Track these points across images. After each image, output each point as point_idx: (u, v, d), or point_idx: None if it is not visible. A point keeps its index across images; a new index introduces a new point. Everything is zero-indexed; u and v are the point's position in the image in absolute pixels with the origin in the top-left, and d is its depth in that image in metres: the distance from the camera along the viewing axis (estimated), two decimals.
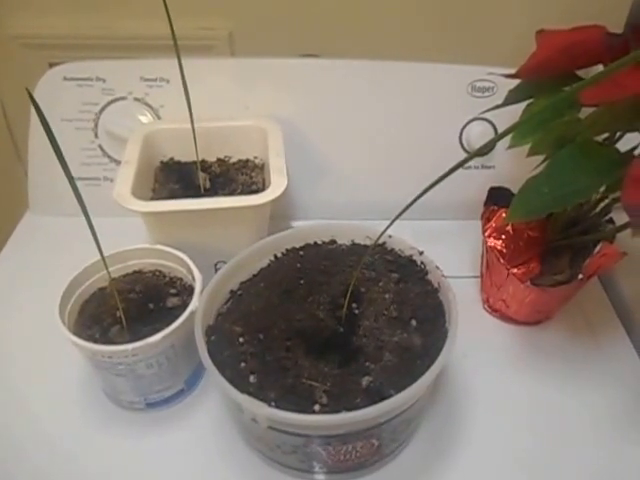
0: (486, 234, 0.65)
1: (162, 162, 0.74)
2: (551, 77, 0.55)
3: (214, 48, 0.94)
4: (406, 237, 0.84)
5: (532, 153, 0.61)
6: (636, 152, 0.52)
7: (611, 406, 0.61)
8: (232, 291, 0.58)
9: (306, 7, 0.90)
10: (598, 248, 0.57)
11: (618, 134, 0.56)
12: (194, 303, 0.55)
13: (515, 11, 0.89)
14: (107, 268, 0.53)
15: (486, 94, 0.81)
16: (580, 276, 0.59)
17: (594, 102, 0.47)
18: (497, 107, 0.58)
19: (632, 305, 0.72)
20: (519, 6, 0.89)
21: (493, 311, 0.71)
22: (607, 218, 0.63)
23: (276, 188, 0.61)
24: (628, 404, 0.62)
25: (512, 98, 0.59)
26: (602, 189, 0.58)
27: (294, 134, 0.80)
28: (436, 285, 0.57)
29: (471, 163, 0.84)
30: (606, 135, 0.56)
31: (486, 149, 0.59)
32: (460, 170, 0.86)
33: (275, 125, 0.72)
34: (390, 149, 0.83)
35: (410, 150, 0.83)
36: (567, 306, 0.71)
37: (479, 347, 0.68)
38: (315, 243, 0.63)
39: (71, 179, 0.43)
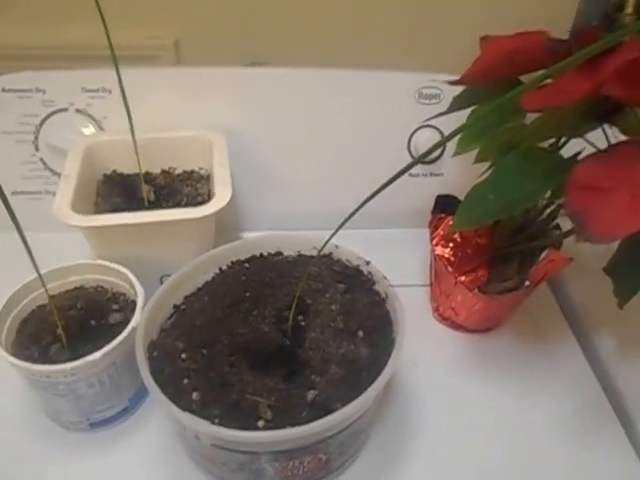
0: (434, 242, 0.65)
1: (105, 175, 0.72)
2: (495, 83, 0.55)
3: (160, 57, 0.93)
4: (357, 246, 0.83)
5: (479, 160, 0.62)
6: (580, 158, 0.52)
7: (561, 412, 0.62)
8: (176, 306, 0.56)
9: (254, 15, 0.89)
10: (544, 255, 0.57)
11: (564, 139, 0.57)
12: (135, 319, 0.53)
13: (463, 18, 0.90)
14: (44, 285, 0.51)
15: (433, 101, 0.81)
16: (527, 283, 0.59)
17: (536, 108, 0.47)
18: (441, 114, 0.58)
19: (580, 310, 0.73)
20: (467, 13, 0.90)
21: (443, 319, 0.71)
22: (554, 224, 0.64)
23: (219, 200, 0.60)
24: (578, 409, 0.62)
25: (456, 105, 0.59)
26: (548, 195, 0.58)
27: (242, 144, 0.79)
28: (383, 295, 0.57)
29: (420, 171, 0.84)
30: (553, 141, 0.57)
31: (427, 156, 0.59)
32: (409, 178, 0.87)
33: (220, 135, 0.71)
34: (339, 158, 0.83)
35: (359, 158, 0.82)
36: (517, 312, 0.71)
37: (429, 356, 0.67)
38: (261, 255, 0.62)
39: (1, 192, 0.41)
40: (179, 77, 0.81)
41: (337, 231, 0.47)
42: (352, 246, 0.83)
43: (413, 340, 0.68)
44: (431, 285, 0.72)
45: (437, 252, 0.65)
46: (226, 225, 0.83)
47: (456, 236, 0.65)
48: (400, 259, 0.78)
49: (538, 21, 0.91)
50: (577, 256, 0.60)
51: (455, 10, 0.90)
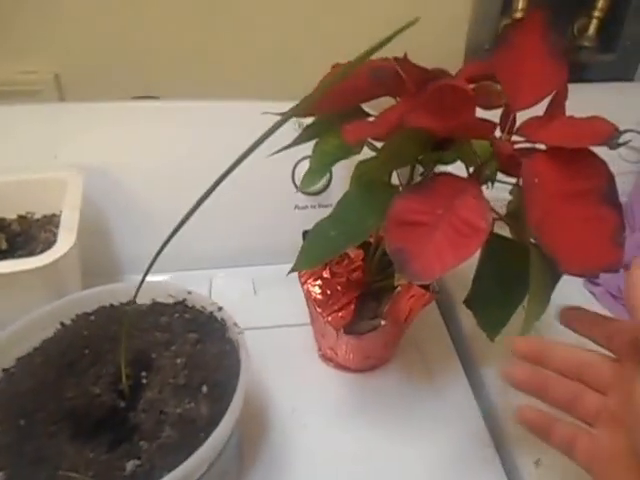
0: (302, 280, 0.61)
1: None
2: (339, 114, 0.52)
3: (42, 93, 0.88)
4: (246, 284, 0.80)
5: None
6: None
7: (444, 451, 0.58)
8: (5, 370, 0.51)
9: (135, 47, 0.85)
10: (397, 292, 0.54)
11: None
12: None
13: (351, 47, 0.87)
14: None
15: None
16: (383, 322, 0.56)
17: (355, 139, 0.44)
18: (288, 146, 0.55)
19: (470, 342, 0.69)
20: (356, 41, 0.87)
21: (326, 360, 0.67)
22: None
23: (60, 247, 0.56)
24: (460, 448, 0.58)
25: (306, 135, 0.55)
26: None
27: (119, 183, 0.75)
28: (235, 343, 0.52)
29: (308, 202, 0.81)
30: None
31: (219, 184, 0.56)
32: (297, 210, 0.83)
33: (76, 176, 0.66)
34: (225, 193, 0.78)
35: (245, 193, 0.78)
36: (407, 347, 0.68)
37: (311, 400, 0.63)
38: (111, 305, 0.57)
39: None
40: (49, 113, 0.77)
41: (147, 273, 0.42)
42: (241, 284, 0.80)
43: (295, 384, 0.64)
44: (312, 324, 0.68)
45: (306, 290, 0.61)
46: (106, 269, 0.79)
47: (325, 273, 0.61)
48: (290, 296, 0.74)
49: (431, 46, 0.89)
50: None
51: (343, 39, 0.87)
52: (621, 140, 0.42)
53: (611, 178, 0.42)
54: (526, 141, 0.44)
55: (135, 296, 0.46)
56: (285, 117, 0.33)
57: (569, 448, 0.41)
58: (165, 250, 0.77)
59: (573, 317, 0.43)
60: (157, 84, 0.88)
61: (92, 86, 0.88)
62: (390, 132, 0.42)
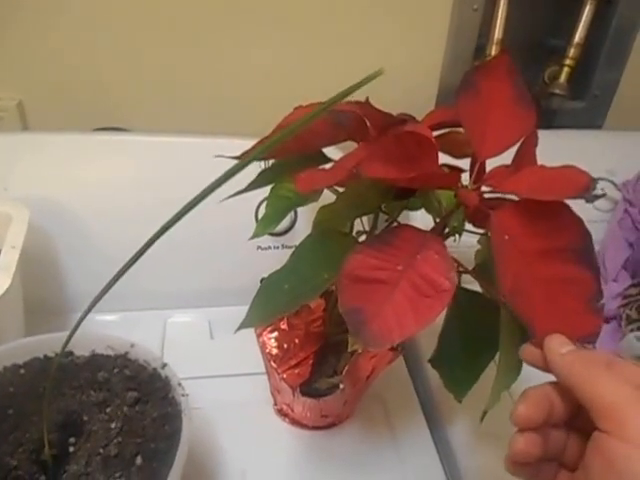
0: (257, 331, 0.56)
1: None
2: (297, 157, 0.48)
3: (3, 120, 0.84)
4: (204, 328, 0.75)
5: None
6: None
7: None
8: None
9: (99, 74, 0.82)
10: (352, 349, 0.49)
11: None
12: None
13: (325, 90, 0.84)
14: None
15: None
16: (341, 386, 0.51)
17: (309, 189, 0.40)
18: (241, 192, 0.50)
19: (436, 397, 0.65)
20: (329, 83, 0.84)
21: (282, 415, 0.62)
22: None
23: None
24: None
25: (262, 179, 0.51)
26: None
27: (72, 218, 0.71)
28: (179, 406, 0.47)
29: (271, 243, 0.77)
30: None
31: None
32: (259, 251, 0.79)
33: (22, 210, 0.61)
34: (183, 230, 0.74)
35: (204, 231, 0.74)
36: (370, 401, 0.63)
37: (264, 461, 0.59)
38: (45, 357, 0.52)
39: None
40: (8, 143, 0.73)
41: (82, 320, 0.37)
42: (197, 327, 0.75)
43: (248, 442, 0.60)
44: (268, 378, 0.63)
45: (261, 343, 0.56)
46: (57, 307, 0.74)
47: (282, 324, 0.56)
48: (248, 342, 0.69)
49: (404, 88, 0.86)
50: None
51: (313, 82, 0.84)
52: (597, 192, 0.38)
53: (587, 236, 0.38)
54: (494, 191, 0.40)
55: (63, 349, 0.41)
56: (241, 164, 0.29)
57: None
58: (117, 288, 0.72)
59: None
60: (125, 114, 0.85)
61: (56, 113, 0.84)
62: (346, 181, 0.38)
